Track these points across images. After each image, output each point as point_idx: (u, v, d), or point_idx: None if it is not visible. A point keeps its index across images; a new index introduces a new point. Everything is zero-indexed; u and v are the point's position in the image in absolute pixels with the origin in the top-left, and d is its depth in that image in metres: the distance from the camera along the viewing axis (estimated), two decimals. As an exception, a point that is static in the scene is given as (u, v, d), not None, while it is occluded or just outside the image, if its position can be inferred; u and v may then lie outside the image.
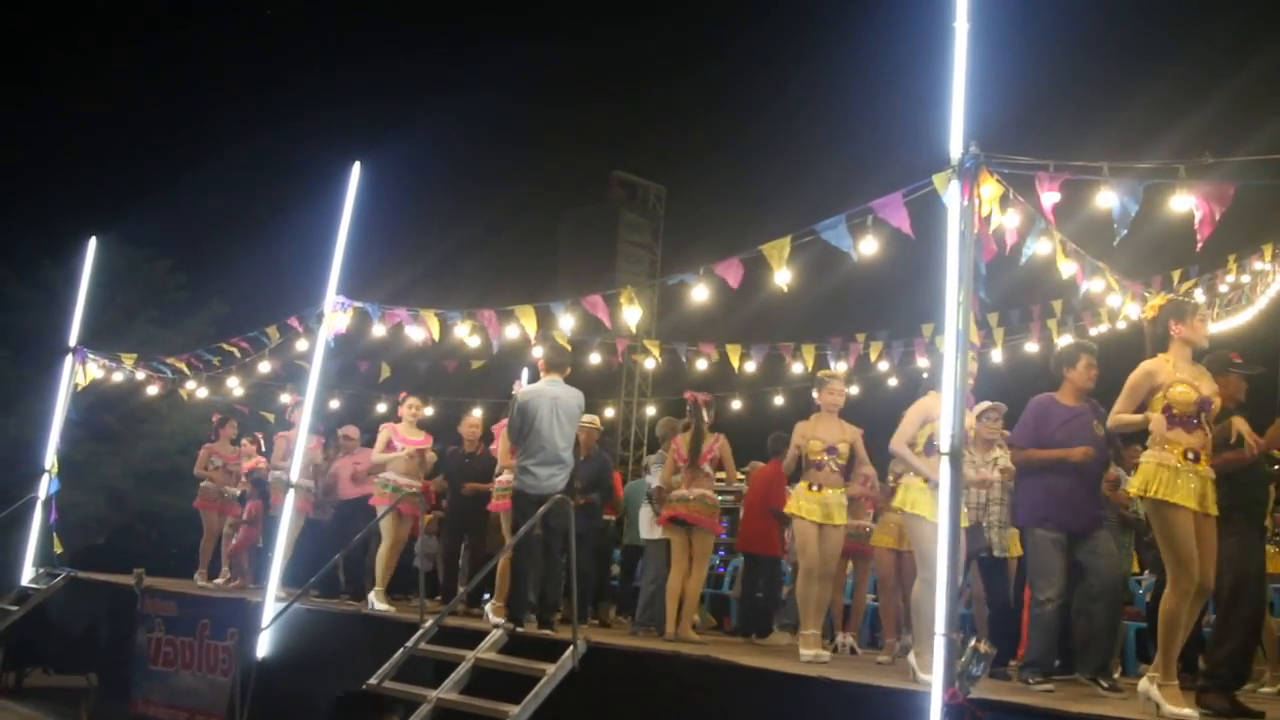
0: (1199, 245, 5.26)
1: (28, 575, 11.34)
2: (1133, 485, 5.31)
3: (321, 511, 10.69)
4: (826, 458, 7.37)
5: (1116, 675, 6.46)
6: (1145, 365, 5.34)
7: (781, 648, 8.20)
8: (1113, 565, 6.21)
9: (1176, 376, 5.23)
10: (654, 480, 8.78)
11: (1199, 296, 8.73)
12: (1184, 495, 5.04)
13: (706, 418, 8.30)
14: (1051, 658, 6.22)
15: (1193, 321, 5.38)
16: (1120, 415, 5.34)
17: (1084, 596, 6.21)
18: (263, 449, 11.42)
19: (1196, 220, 5.18)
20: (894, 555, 7.91)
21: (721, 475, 8.43)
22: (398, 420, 9.71)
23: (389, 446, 9.42)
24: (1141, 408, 5.29)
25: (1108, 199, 5.37)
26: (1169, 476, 5.08)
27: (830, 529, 7.35)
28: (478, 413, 10.35)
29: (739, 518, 10.21)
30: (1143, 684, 5.11)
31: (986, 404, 7.00)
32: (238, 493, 11.41)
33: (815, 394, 7.65)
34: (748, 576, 9.54)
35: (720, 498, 8.52)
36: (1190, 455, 5.12)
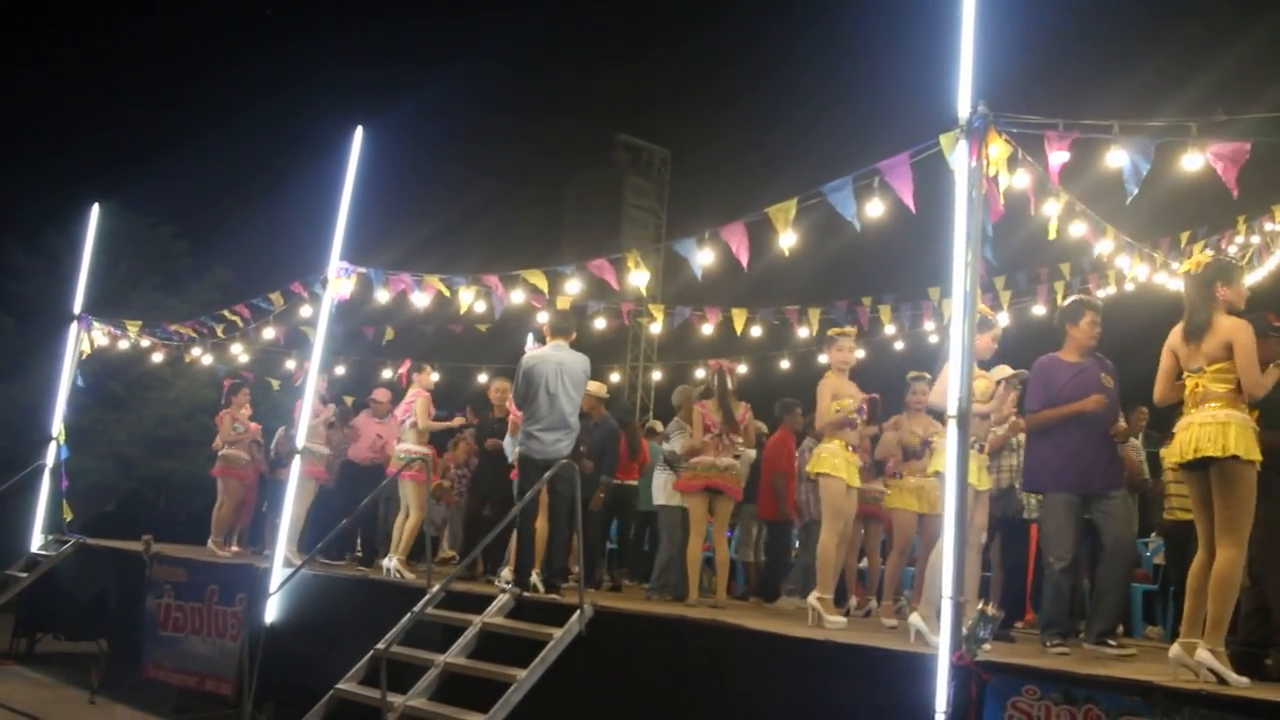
0: (1234, 192, 5.16)
1: (37, 542, 11.41)
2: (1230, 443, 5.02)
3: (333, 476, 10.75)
4: (857, 417, 7.33)
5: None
6: (1249, 325, 5.14)
7: (790, 612, 8.21)
8: (1125, 527, 6.17)
9: None
10: (675, 447, 8.78)
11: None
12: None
13: (730, 385, 8.30)
14: (1067, 619, 6.20)
15: (1239, 286, 5.25)
16: (1267, 379, 5.13)
17: (1095, 558, 6.20)
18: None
19: (1221, 173, 5.10)
20: (916, 519, 7.78)
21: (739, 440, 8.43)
22: (407, 386, 9.69)
23: (430, 414, 9.46)
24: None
25: (1118, 158, 5.31)
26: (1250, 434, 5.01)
27: (852, 491, 7.33)
28: (483, 377, 10.34)
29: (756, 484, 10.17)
30: (1175, 649, 4.97)
31: (1010, 371, 6.92)
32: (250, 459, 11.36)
33: (826, 353, 7.56)
34: (773, 543, 9.55)
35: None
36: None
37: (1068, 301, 6.80)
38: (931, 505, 7.38)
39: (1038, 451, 6.45)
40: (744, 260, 6.81)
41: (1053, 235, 6.39)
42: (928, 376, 7.73)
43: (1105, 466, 6.27)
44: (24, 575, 10.75)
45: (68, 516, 11.73)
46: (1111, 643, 5.94)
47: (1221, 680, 4.70)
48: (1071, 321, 6.47)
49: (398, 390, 10.66)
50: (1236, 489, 4.96)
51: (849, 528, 7.44)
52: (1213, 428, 5.01)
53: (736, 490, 8.30)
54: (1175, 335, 5.31)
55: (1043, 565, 6.35)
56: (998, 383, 6.63)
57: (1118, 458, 6.58)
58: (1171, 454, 5.49)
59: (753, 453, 9.67)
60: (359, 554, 10.82)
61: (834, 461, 7.21)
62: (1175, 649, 4.99)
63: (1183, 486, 6.98)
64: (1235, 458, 4.93)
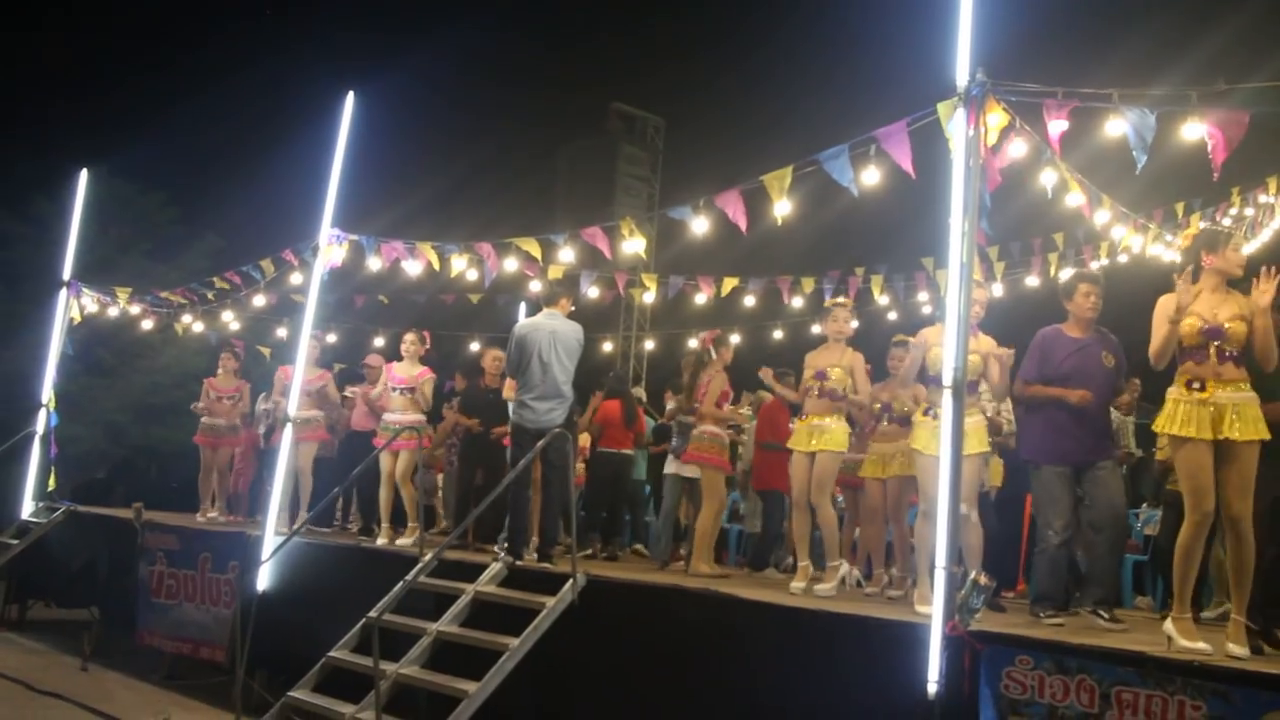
0: (1215, 174, 5.15)
1: (27, 509, 11.38)
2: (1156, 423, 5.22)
3: (330, 446, 10.72)
4: (814, 383, 7.35)
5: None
6: (1163, 298, 5.23)
7: (780, 580, 8.24)
8: (1116, 497, 6.17)
9: (1191, 309, 5.13)
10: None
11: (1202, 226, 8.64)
12: (1191, 426, 4.99)
13: (713, 358, 8.47)
14: (1060, 591, 6.23)
15: (1224, 251, 5.25)
16: (1152, 350, 5.24)
17: (1088, 528, 6.20)
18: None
19: (1209, 148, 5.07)
20: (880, 485, 7.78)
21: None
22: (399, 359, 9.65)
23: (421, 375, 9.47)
24: None
25: (1118, 127, 5.27)
26: (1172, 409, 5.07)
27: (819, 454, 7.28)
28: (475, 345, 10.30)
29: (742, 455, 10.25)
30: (1167, 625, 5.03)
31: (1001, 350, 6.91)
32: (231, 425, 11.27)
33: (821, 324, 7.66)
34: (767, 515, 9.61)
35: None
36: (1195, 385, 5.07)
37: (1066, 277, 6.75)
38: (889, 469, 7.52)
39: (1029, 422, 6.46)
40: (742, 225, 6.77)
41: (1059, 198, 6.34)
42: (911, 341, 7.74)
43: (1096, 438, 6.26)
44: (15, 542, 10.73)
45: (52, 485, 11.68)
46: (1104, 614, 5.95)
47: (1171, 643, 4.84)
48: (1067, 297, 6.44)
49: (388, 357, 10.62)
50: (1181, 465, 5.05)
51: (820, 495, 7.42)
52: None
53: (726, 464, 8.54)
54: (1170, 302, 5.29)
55: (1038, 537, 6.34)
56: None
57: (1109, 428, 6.59)
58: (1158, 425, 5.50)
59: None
60: (350, 524, 10.83)
61: (796, 435, 7.40)
62: (1166, 623, 5.03)
63: None
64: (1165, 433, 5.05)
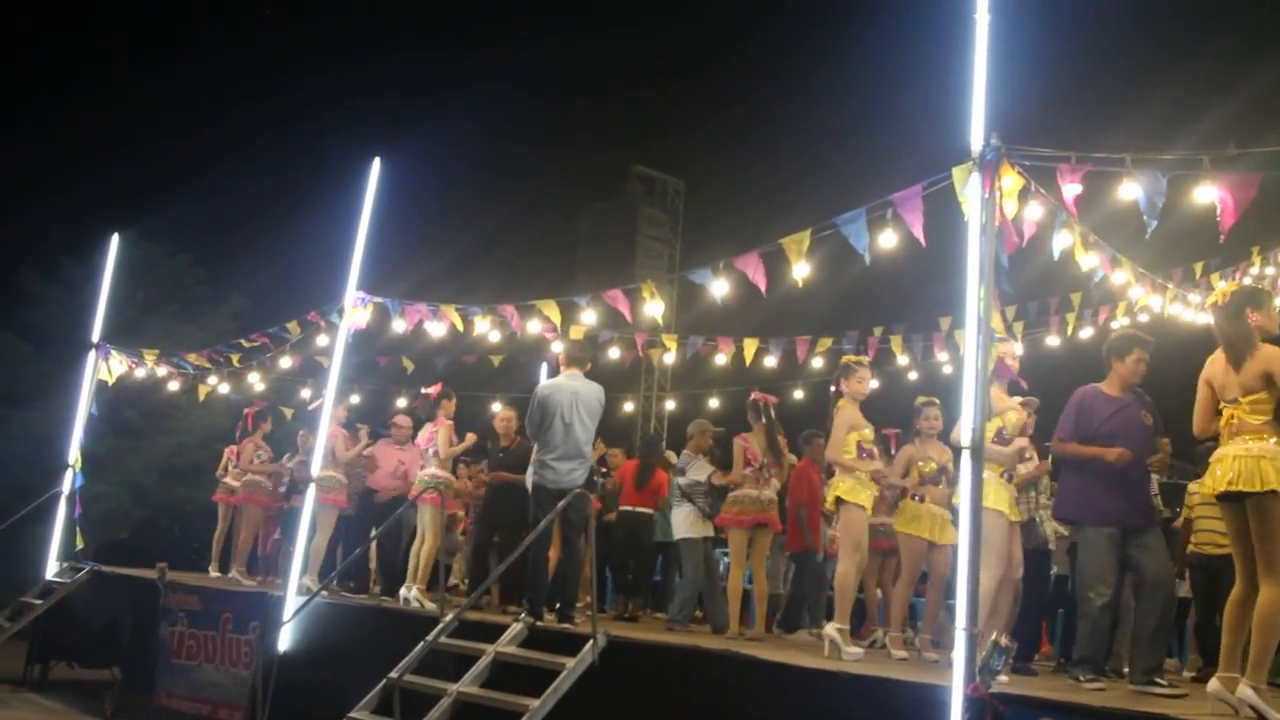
0: (1223, 237, 5.19)
1: (52, 569, 11.44)
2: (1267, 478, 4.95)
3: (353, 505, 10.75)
4: (875, 448, 7.34)
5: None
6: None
7: (805, 643, 8.19)
8: (1165, 562, 6.03)
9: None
10: (699, 477, 8.79)
11: (1221, 285, 8.66)
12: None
13: (773, 415, 8.39)
14: (1103, 655, 6.10)
15: (1269, 310, 5.20)
16: None
17: (1136, 594, 6.10)
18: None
19: (1219, 212, 5.12)
20: (926, 546, 7.54)
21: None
22: (431, 418, 9.62)
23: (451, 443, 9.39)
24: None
25: (1131, 190, 5.33)
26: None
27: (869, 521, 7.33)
28: (497, 406, 10.35)
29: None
30: (1214, 684, 4.93)
31: (1019, 399, 6.95)
32: (273, 487, 11.38)
33: (843, 382, 7.45)
34: (798, 576, 9.53)
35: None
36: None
37: (1117, 334, 6.65)
38: (942, 534, 7.39)
39: (1074, 481, 6.28)
40: (762, 286, 6.84)
41: (1075, 260, 6.38)
42: (937, 401, 7.74)
43: (1141, 500, 6.17)
44: (39, 602, 10.78)
45: (80, 545, 11.77)
46: (1161, 681, 5.75)
47: (1263, 717, 4.64)
48: (1118, 356, 6.32)
49: (415, 420, 10.67)
50: (1274, 524, 4.88)
51: (865, 558, 7.40)
52: (1247, 461, 4.95)
53: (778, 522, 8.39)
54: (1211, 366, 5.25)
55: (1079, 600, 6.18)
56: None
57: (1150, 490, 6.50)
58: (1206, 487, 5.41)
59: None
60: (376, 587, 10.84)
61: (857, 493, 7.18)
62: (1214, 684, 4.94)
63: (1211, 520, 6.94)
64: (1273, 492, 4.86)
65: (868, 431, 7.30)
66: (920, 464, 7.57)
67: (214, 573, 11.34)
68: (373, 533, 9.83)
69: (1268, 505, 4.89)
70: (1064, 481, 6.44)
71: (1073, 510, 6.33)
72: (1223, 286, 5.55)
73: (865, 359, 8.01)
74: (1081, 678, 5.90)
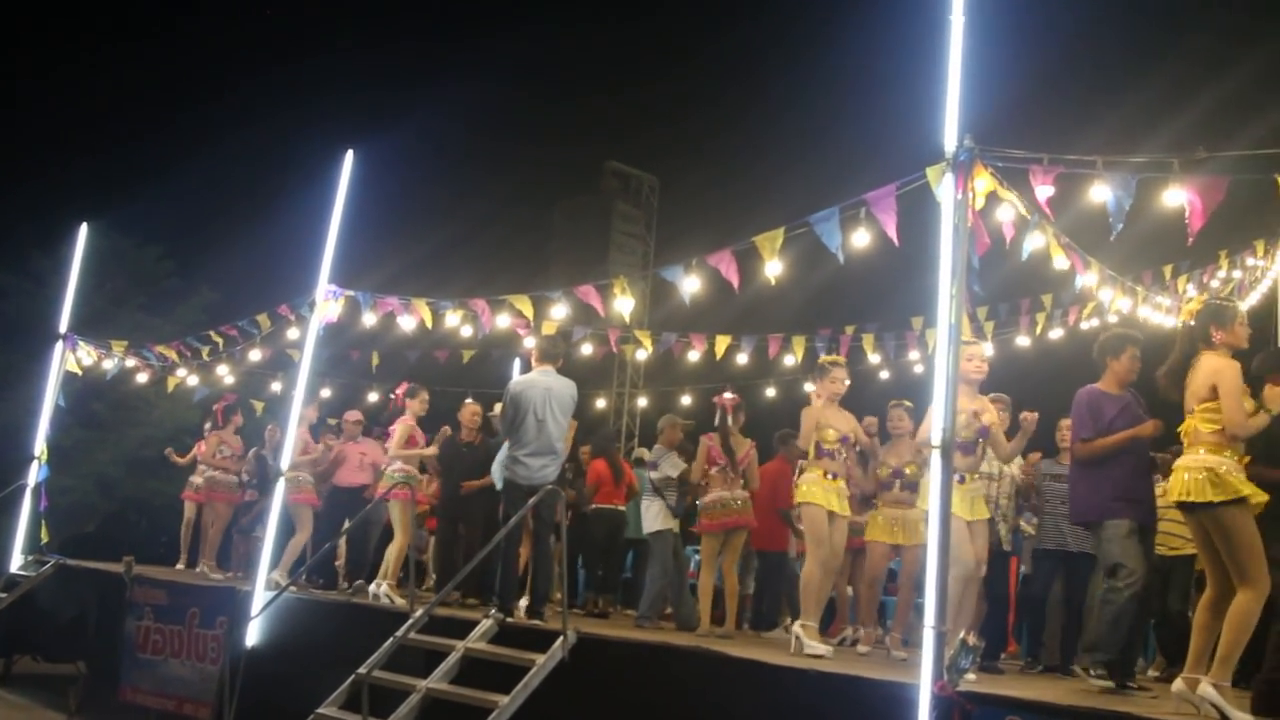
0: (1190, 239, 5.25)
1: (16, 562, 11.31)
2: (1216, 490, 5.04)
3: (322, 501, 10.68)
4: (840, 448, 7.32)
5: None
6: (1235, 365, 5.20)
7: (775, 640, 8.20)
8: (1146, 565, 6.02)
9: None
10: (670, 472, 8.78)
11: (1190, 291, 8.74)
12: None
13: (733, 421, 8.32)
14: (1117, 649, 5.86)
15: (1234, 327, 5.27)
16: (1252, 421, 5.18)
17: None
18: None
19: (1187, 214, 5.17)
20: (889, 549, 7.70)
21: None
22: (401, 411, 9.55)
23: (410, 442, 9.28)
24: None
25: (1101, 193, 5.38)
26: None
27: (839, 519, 7.27)
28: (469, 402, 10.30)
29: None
30: (1178, 685, 4.97)
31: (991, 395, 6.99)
32: (241, 481, 11.30)
33: (816, 381, 7.50)
34: (764, 574, 9.54)
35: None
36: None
37: (1108, 334, 6.61)
38: (908, 536, 7.43)
39: (1089, 481, 6.19)
40: (735, 283, 6.85)
41: (1047, 260, 6.41)
42: (906, 403, 7.78)
43: (1152, 498, 6.20)
44: (2, 596, 10.64)
45: (45, 538, 11.65)
46: (1131, 684, 5.80)
47: (1225, 716, 4.69)
48: (1113, 355, 6.30)
49: (382, 412, 10.62)
50: (1233, 534, 4.95)
51: (834, 556, 7.39)
52: (1198, 473, 5.04)
53: (752, 520, 8.33)
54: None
55: (1105, 587, 5.97)
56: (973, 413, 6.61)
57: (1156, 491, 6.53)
58: (1168, 493, 5.46)
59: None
60: (345, 585, 10.78)
61: (811, 490, 7.18)
62: (1178, 684, 4.98)
63: (1168, 524, 7.00)
64: (1224, 503, 4.95)
65: (830, 432, 7.26)
66: (879, 469, 7.64)
67: (181, 566, 11.25)
68: (345, 526, 9.76)
69: (1221, 517, 4.99)
70: (1077, 483, 6.37)
71: (1091, 512, 6.20)
72: (1190, 306, 5.60)
73: (841, 359, 8.03)
74: (1092, 670, 5.81)
